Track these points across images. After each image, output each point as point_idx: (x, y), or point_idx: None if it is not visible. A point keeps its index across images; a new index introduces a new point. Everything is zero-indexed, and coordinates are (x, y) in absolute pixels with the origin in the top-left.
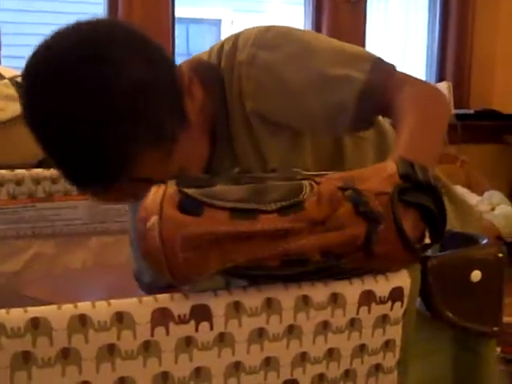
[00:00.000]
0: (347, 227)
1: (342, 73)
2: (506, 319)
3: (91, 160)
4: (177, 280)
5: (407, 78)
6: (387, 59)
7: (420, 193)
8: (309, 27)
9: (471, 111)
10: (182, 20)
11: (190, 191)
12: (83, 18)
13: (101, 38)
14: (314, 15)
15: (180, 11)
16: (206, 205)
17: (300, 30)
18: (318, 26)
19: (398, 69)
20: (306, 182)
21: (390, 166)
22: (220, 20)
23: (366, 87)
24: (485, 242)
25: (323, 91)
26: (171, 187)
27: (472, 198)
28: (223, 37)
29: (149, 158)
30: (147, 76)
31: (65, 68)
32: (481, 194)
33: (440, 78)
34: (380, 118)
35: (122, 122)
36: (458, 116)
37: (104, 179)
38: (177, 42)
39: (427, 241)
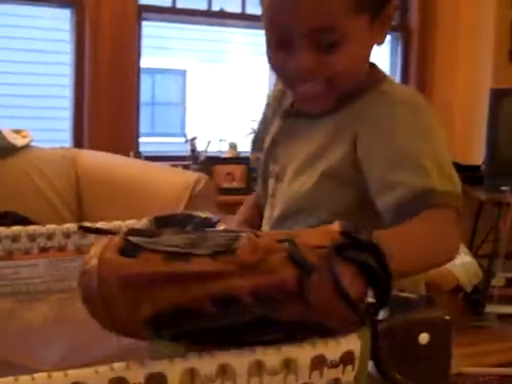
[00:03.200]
0: (278, 272)
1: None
2: (464, 370)
3: None
4: (115, 325)
5: (450, 221)
6: None
7: (361, 251)
8: (273, 78)
9: None
10: (148, 70)
11: (135, 239)
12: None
13: None
14: None
15: (146, 61)
16: (142, 248)
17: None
18: None
19: None
20: (245, 234)
21: (333, 225)
22: (185, 70)
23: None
24: (434, 305)
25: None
26: (119, 236)
27: None
28: (189, 87)
29: None
30: None
31: None
32: None
33: None
34: None
35: None
36: None
37: None
38: (143, 91)
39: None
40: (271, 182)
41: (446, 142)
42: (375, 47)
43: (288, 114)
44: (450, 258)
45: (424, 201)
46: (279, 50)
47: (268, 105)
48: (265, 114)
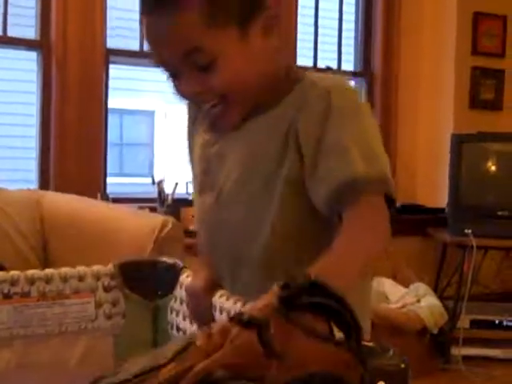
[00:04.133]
0: (236, 339)
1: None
2: None
3: None
4: None
5: (378, 209)
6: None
7: (310, 295)
8: None
9: (397, 205)
10: (116, 111)
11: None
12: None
13: None
14: None
15: (114, 102)
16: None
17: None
18: None
19: None
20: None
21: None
22: (153, 111)
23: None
24: (390, 353)
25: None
26: None
27: (398, 291)
28: (157, 127)
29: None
30: None
31: None
32: (407, 286)
33: None
34: None
35: None
36: None
37: None
38: (112, 131)
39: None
40: (209, 194)
41: (374, 121)
42: None
43: (208, 129)
44: (386, 242)
45: (352, 190)
46: (174, 80)
47: (189, 118)
48: (188, 128)
